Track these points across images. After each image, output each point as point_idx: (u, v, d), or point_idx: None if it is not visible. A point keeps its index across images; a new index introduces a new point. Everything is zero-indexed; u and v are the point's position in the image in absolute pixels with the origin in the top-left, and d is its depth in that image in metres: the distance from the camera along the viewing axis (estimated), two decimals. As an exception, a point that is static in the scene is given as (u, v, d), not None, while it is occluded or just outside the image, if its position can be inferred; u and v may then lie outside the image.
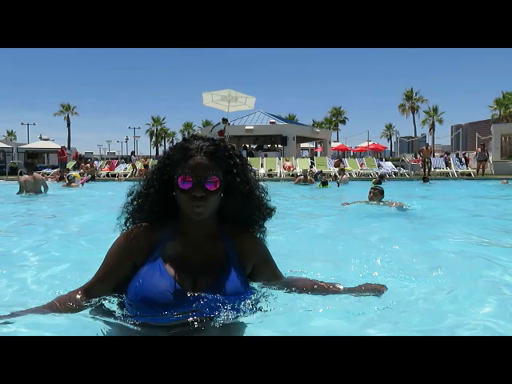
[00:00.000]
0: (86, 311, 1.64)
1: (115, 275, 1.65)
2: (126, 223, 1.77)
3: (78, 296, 1.67)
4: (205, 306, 1.55)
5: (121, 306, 1.64)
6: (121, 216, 1.77)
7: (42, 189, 10.04)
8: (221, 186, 1.61)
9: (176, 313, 1.52)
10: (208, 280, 1.59)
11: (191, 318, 1.52)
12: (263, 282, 1.78)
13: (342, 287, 1.86)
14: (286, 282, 1.86)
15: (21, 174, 13.96)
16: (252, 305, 1.63)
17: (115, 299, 1.68)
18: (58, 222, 5.89)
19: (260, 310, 1.64)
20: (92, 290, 1.67)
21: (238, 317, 1.57)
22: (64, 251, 3.62)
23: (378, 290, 1.83)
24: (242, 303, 1.61)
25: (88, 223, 5.63)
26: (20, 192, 9.76)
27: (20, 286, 2.46)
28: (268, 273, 1.79)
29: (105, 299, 1.67)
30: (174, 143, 1.75)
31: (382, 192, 7.29)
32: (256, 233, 1.81)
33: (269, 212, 1.80)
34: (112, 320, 1.59)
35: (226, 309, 1.56)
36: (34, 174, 10.17)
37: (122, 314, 1.60)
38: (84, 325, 1.60)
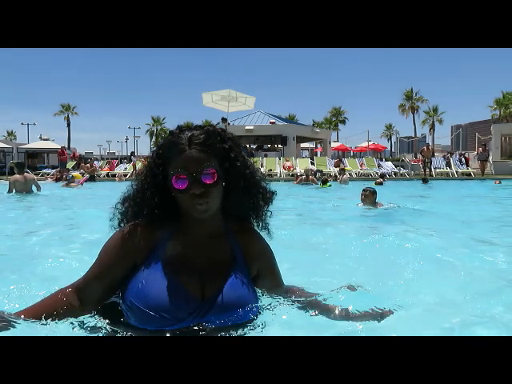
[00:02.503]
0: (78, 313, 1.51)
1: (111, 274, 1.52)
2: (119, 224, 1.65)
3: (70, 295, 1.51)
4: (212, 310, 1.47)
5: (115, 308, 1.55)
6: (113, 217, 1.65)
7: (34, 188, 10.02)
8: (220, 176, 1.47)
9: (180, 318, 1.44)
10: (215, 283, 1.50)
11: (197, 324, 1.45)
12: (264, 290, 1.68)
13: (344, 311, 1.62)
14: (286, 290, 1.76)
15: None
16: (259, 310, 1.58)
17: (109, 301, 1.58)
18: (49, 221, 5.89)
19: (267, 315, 1.58)
20: (85, 288, 1.52)
21: (245, 322, 1.51)
22: (55, 252, 3.53)
23: (382, 315, 1.61)
24: (250, 308, 1.54)
25: (84, 222, 5.60)
26: (9, 191, 9.79)
27: (8, 289, 2.28)
28: (271, 277, 1.70)
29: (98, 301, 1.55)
30: (161, 140, 1.58)
31: (373, 193, 7.04)
32: (261, 220, 1.69)
33: (270, 196, 1.68)
34: (108, 323, 1.50)
35: (234, 314, 1.49)
36: (25, 173, 10.13)
37: (119, 317, 1.50)
38: (77, 328, 1.49)
